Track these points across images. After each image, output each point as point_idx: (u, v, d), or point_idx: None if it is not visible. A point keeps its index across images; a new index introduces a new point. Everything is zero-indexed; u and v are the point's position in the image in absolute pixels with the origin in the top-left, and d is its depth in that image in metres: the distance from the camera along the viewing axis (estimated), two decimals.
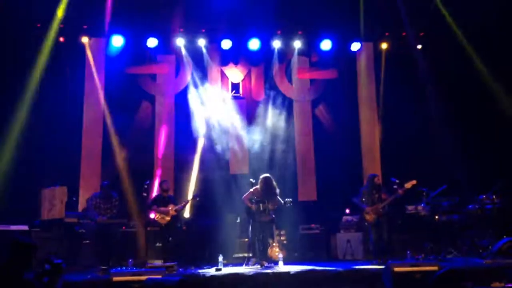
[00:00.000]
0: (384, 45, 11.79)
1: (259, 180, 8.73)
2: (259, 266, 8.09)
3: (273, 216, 8.77)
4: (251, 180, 8.96)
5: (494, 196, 9.08)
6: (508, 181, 9.10)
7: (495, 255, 7.90)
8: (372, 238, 8.73)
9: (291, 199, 8.78)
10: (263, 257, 8.41)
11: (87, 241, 8.87)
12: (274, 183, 8.72)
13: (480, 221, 9.14)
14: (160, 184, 9.42)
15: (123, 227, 9.31)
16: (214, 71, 11.49)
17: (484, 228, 9.02)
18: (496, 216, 9.01)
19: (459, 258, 8.63)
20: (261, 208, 8.49)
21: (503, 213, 9.04)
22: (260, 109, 11.49)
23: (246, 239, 9.34)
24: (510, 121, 10.44)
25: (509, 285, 5.90)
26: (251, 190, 8.73)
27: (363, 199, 8.81)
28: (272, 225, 8.87)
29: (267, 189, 8.62)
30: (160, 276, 6.19)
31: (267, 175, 8.81)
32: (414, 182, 8.60)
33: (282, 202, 8.67)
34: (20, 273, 3.59)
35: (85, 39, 10.79)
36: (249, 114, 11.51)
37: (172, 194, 9.78)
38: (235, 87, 11.65)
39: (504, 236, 8.27)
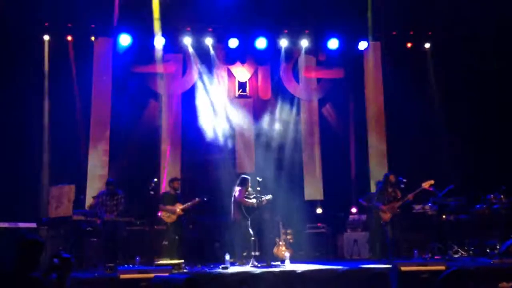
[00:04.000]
0: (392, 44, 11.73)
1: (246, 180, 8.80)
2: (265, 265, 8.10)
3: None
4: (258, 178, 8.94)
5: (502, 196, 9.03)
6: None
7: (503, 255, 7.89)
8: (388, 237, 8.60)
9: (271, 195, 8.75)
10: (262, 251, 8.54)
11: (94, 239, 8.90)
12: None
13: (487, 221, 9.09)
14: (171, 181, 9.31)
15: (130, 225, 9.33)
16: (221, 70, 11.49)
17: (492, 228, 8.99)
18: (504, 216, 8.96)
19: (466, 258, 8.61)
20: (258, 204, 8.53)
21: (511, 213, 8.99)
22: (267, 108, 11.49)
23: (253, 238, 9.36)
24: None
25: None
26: (242, 190, 8.68)
27: (377, 198, 8.76)
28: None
29: (253, 186, 8.70)
30: (167, 274, 6.22)
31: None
32: (431, 182, 8.54)
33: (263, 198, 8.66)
34: (27, 271, 3.59)
35: (92, 38, 10.82)
36: (256, 113, 11.50)
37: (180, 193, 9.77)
38: (242, 86, 11.64)
39: None
